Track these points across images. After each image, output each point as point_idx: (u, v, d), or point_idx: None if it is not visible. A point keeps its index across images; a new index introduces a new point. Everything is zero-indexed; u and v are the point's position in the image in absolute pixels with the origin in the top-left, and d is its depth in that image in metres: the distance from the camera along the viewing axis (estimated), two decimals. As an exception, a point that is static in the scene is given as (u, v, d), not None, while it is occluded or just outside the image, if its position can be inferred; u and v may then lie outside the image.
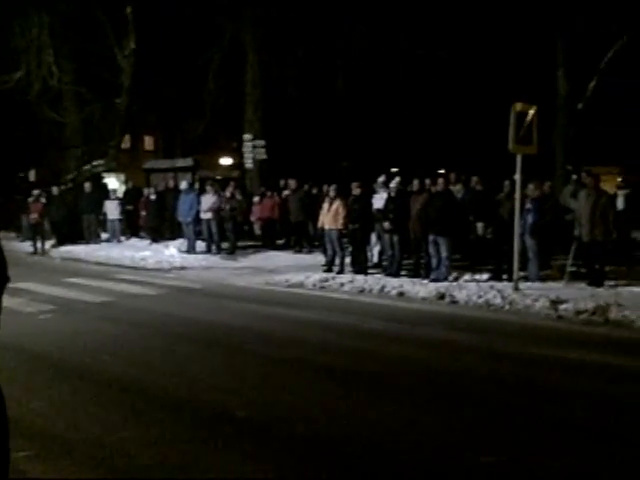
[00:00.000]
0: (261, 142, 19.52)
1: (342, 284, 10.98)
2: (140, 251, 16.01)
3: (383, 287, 10.48)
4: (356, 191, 12.33)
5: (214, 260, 14.97)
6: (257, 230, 17.26)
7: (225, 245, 16.00)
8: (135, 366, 6.07)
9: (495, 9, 17.47)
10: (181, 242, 16.50)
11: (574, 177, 13.71)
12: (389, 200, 11.86)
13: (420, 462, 3.91)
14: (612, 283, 10.08)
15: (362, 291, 10.54)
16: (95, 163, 20.82)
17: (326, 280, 11.29)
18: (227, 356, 6.47)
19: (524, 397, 5.09)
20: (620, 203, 12.99)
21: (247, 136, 19.75)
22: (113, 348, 6.74)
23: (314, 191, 15.85)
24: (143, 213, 18.23)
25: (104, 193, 19.07)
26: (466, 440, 4.20)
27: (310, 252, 15.40)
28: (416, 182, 12.38)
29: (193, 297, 10.34)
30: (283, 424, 4.53)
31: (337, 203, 12.42)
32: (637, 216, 12.80)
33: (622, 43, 15.19)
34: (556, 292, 9.38)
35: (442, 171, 16.78)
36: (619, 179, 17.76)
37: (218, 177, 20.53)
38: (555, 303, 8.67)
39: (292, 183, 16.01)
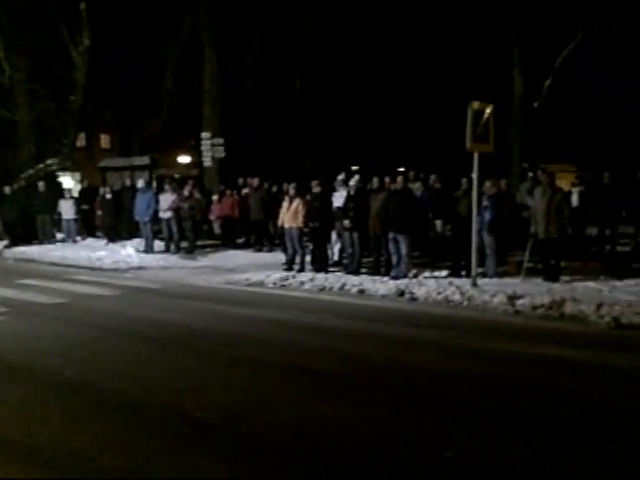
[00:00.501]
0: (220, 140, 19.34)
1: (302, 282, 10.94)
2: (96, 251, 15.71)
3: (343, 285, 10.48)
4: (316, 189, 12.32)
5: (172, 260, 14.78)
6: (216, 229, 17.12)
7: (184, 244, 15.81)
8: (91, 368, 5.94)
9: (451, 9, 17.66)
10: (138, 242, 16.25)
11: (530, 175, 13.95)
12: (349, 198, 11.87)
13: (381, 458, 3.90)
14: (567, 278, 10.28)
15: (323, 289, 10.53)
16: (49, 162, 20.34)
17: (286, 279, 11.24)
18: (186, 357, 6.37)
19: (483, 392, 5.13)
20: (575, 200, 13.28)
21: (205, 134, 19.55)
22: (68, 350, 6.58)
23: (274, 189, 15.77)
24: (99, 212, 17.88)
25: (58, 192, 18.63)
26: (426, 436, 4.21)
27: (270, 251, 15.32)
28: (375, 180, 12.45)
29: (151, 297, 10.17)
30: (242, 424, 4.48)
31: (297, 201, 12.38)
32: (591, 212, 13.09)
33: (576, 42, 15.51)
34: (513, 288, 9.52)
35: (402, 169, 16.90)
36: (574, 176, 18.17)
37: (176, 175, 20.26)
38: (512, 298, 8.79)
39: (254, 181, 15.91)
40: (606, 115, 20.36)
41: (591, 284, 9.92)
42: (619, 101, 18.99)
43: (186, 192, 16.12)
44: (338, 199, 12.29)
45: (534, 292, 9.09)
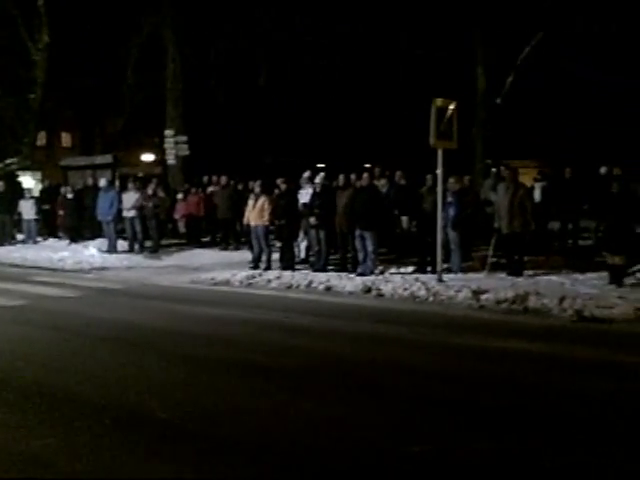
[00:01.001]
0: (183, 138, 19.16)
1: (269, 281, 10.89)
2: (58, 252, 15.43)
3: (310, 282, 10.45)
4: (282, 187, 12.28)
5: (136, 259, 14.60)
6: (181, 228, 16.97)
7: (148, 244, 15.62)
8: (52, 371, 5.79)
9: (413, 6, 17.74)
10: (101, 242, 16.00)
11: (493, 171, 14.10)
12: (315, 195, 11.86)
13: (348, 454, 3.88)
14: (531, 273, 10.42)
15: (289, 287, 10.49)
16: (8, 161, 19.91)
17: (253, 277, 11.18)
18: (149, 358, 6.26)
19: (449, 386, 5.15)
20: (537, 195, 13.46)
21: (169, 132, 19.34)
22: (29, 353, 6.41)
23: (240, 187, 15.67)
24: (61, 212, 17.57)
25: (19, 192, 18.24)
26: (394, 431, 4.20)
27: (237, 249, 15.22)
28: (341, 177, 12.46)
29: (114, 298, 10.01)
30: (207, 424, 4.41)
31: (262, 199, 12.32)
32: (553, 207, 13.29)
33: (538, 39, 15.71)
34: (478, 282, 9.62)
35: (367, 166, 16.93)
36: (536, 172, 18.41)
37: (140, 174, 19.98)
38: (477, 293, 8.86)
39: (222, 179, 15.78)
40: (567, 111, 20.70)
41: (554, 278, 10.07)
42: (579, 97, 19.33)
43: (150, 191, 15.93)
44: (304, 196, 12.28)
45: (498, 287, 9.19)
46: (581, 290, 8.98)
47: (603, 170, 12.67)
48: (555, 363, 5.85)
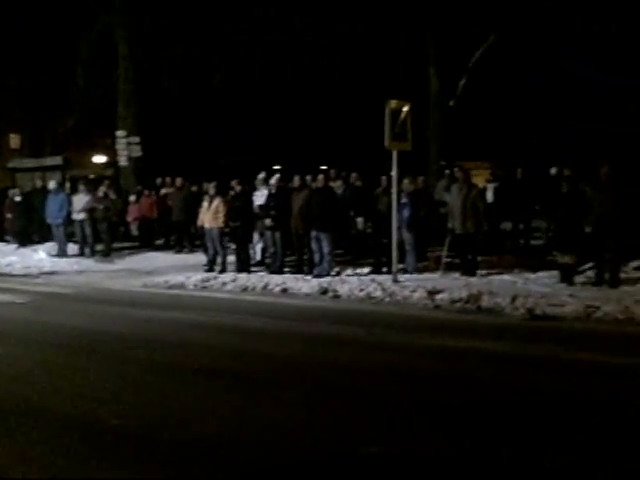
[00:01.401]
0: (135, 139, 18.83)
1: (224, 283, 10.78)
2: (6, 256, 15.01)
3: (266, 285, 10.39)
4: (236, 188, 12.18)
5: (87, 263, 14.31)
6: (134, 230, 16.69)
7: (99, 247, 15.32)
8: (0, 379, 5.60)
9: (367, 7, 17.83)
10: (51, 245, 15.62)
11: (447, 172, 14.26)
12: (270, 197, 11.80)
13: (305, 456, 3.84)
14: (484, 272, 10.56)
15: (245, 289, 10.40)
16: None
17: (208, 280, 11.05)
18: (102, 363, 6.11)
19: (405, 386, 5.16)
20: (490, 196, 13.67)
21: (120, 133, 18.99)
22: (-28, 362, 6.18)
23: (194, 189, 15.48)
24: (8, 216, 17.10)
25: (-36, 195, 17.68)
26: (350, 432, 4.18)
27: (191, 252, 15.03)
28: (297, 178, 12.42)
29: (65, 303, 9.77)
30: (161, 430, 4.31)
31: (217, 201, 12.20)
32: (506, 208, 13.51)
33: (490, 42, 15.97)
34: (433, 282, 9.70)
35: (323, 167, 16.94)
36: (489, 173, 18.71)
37: (91, 176, 19.61)
38: (432, 293, 8.94)
39: (177, 181, 15.56)
40: (518, 112, 21.11)
41: (506, 277, 10.23)
42: (530, 98, 19.74)
43: (101, 193, 15.63)
44: (259, 198, 12.20)
45: (452, 286, 9.29)
46: (533, 289, 9.15)
47: (553, 171, 12.94)
48: (509, 361, 5.93)
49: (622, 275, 9.41)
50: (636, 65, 16.65)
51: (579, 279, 9.59)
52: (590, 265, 9.81)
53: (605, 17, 15.18)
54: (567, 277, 9.47)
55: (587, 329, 7.21)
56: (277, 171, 13.84)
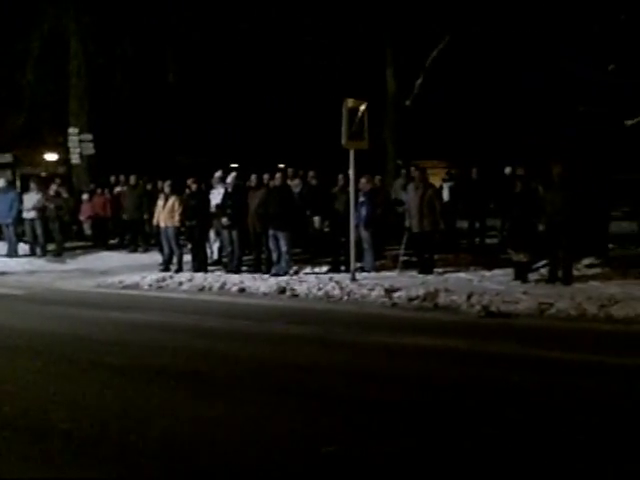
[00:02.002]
0: (88, 136, 18.46)
1: (181, 283, 10.63)
2: (-48, 257, 14.50)
3: (224, 284, 10.28)
4: (192, 187, 12.02)
5: (39, 263, 13.95)
6: (87, 230, 16.37)
7: (51, 247, 14.95)
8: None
9: (323, 6, 17.83)
10: (0, 245, 15.15)
11: (404, 171, 14.37)
12: (226, 196, 11.69)
13: (262, 456, 3.80)
14: (440, 270, 10.67)
15: (202, 289, 10.28)
16: None
17: (163, 280, 10.88)
18: (52, 366, 5.94)
19: (362, 385, 5.16)
20: (446, 195, 13.83)
21: (72, 130, 18.58)
22: None
23: (149, 187, 15.24)
24: (-44, 214, 16.49)
25: None
26: (307, 432, 4.15)
27: (146, 251, 14.80)
28: (254, 177, 12.33)
29: (15, 304, 9.51)
30: (111, 434, 4.21)
31: (172, 199, 12.02)
32: (461, 207, 13.69)
33: (445, 43, 16.14)
34: (390, 281, 9.76)
35: (281, 166, 16.88)
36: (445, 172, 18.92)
37: (42, 174, 19.14)
38: (389, 291, 8.98)
39: (131, 179, 15.28)
40: (473, 112, 21.40)
41: (462, 275, 10.36)
42: (486, 99, 20.02)
43: (52, 191, 15.26)
44: (216, 197, 12.07)
45: (410, 284, 9.36)
46: (488, 286, 9.28)
47: (507, 170, 13.17)
48: (465, 358, 5.99)
49: (575, 272, 9.63)
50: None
51: (533, 276, 9.77)
52: (543, 263, 10.01)
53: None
54: (521, 275, 9.64)
55: (541, 325, 7.35)
56: (234, 169, 13.70)
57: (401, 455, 3.79)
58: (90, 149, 18.55)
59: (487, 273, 10.38)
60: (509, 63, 15.19)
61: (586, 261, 10.35)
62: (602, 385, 5.05)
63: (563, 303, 7.89)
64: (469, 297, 8.35)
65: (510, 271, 9.91)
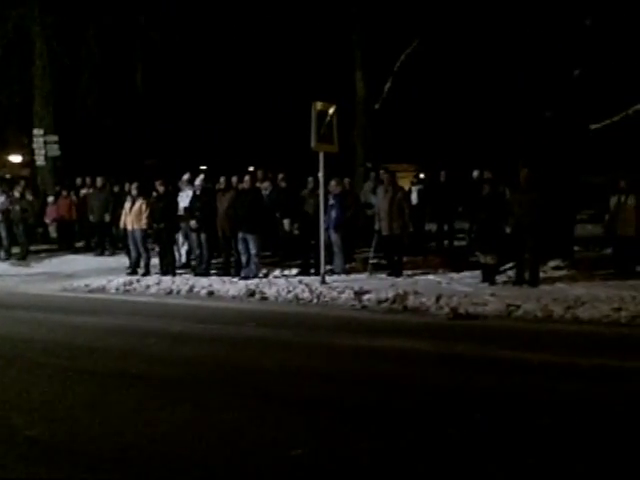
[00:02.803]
0: (53, 137, 18.15)
1: (148, 286, 10.51)
2: None
3: (192, 287, 10.19)
4: (160, 189, 11.89)
5: (3, 267, 13.73)
6: (52, 232, 16.10)
7: (15, 250, 14.66)
8: None
9: (293, 9, 17.84)
10: (-37, 249, 14.82)
11: (373, 174, 14.41)
12: (195, 198, 11.59)
13: (229, 460, 3.75)
14: (410, 273, 10.72)
15: (170, 293, 10.16)
16: None
17: (131, 283, 10.75)
18: (15, 371, 5.81)
19: (330, 388, 5.14)
20: (414, 198, 13.91)
21: (37, 131, 18.26)
22: None
23: (116, 189, 15.03)
24: None
25: None
26: (274, 435, 4.12)
27: (113, 254, 14.60)
28: (222, 179, 12.25)
29: (-24, 309, 9.25)
30: (76, 440, 4.12)
31: (140, 202, 11.89)
32: (430, 210, 13.77)
33: (413, 47, 16.25)
34: (360, 283, 9.77)
35: (251, 168, 16.81)
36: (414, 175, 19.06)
37: (7, 176, 18.79)
38: (359, 294, 8.99)
39: (98, 181, 15.05)
40: (442, 116, 21.60)
41: (431, 277, 10.43)
42: (454, 103, 20.23)
43: (17, 193, 14.99)
44: (184, 199, 11.96)
45: (379, 287, 9.38)
46: (456, 288, 9.35)
47: (475, 174, 13.28)
48: (433, 359, 6.02)
49: (541, 274, 9.75)
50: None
51: (500, 278, 9.87)
52: (511, 265, 10.11)
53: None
54: (489, 277, 9.73)
55: (508, 327, 7.42)
56: (202, 172, 13.60)
57: (368, 457, 3.77)
58: (55, 150, 18.25)
59: (455, 275, 10.46)
60: (476, 68, 15.38)
61: (552, 263, 10.49)
62: (569, 386, 5.10)
63: (530, 305, 7.98)
64: (438, 299, 8.40)
65: (478, 273, 10.01)
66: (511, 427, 4.21)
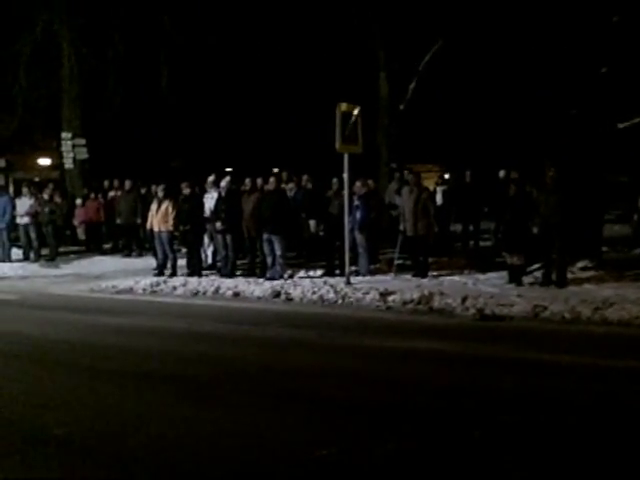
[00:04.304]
0: (81, 141, 18.41)
1: (175, 287, 10.60)
2: (-55, 262, 14.42)
3: (218, 288, 10.25)
4: (186, 191, 11.99)
5: (32, 268, 13.91)
6: (81, 234, 16.32)
7: (44, 252, 14.89)
8: None
9: (316, 11, 17.86)
10: (-6, 251, 15.08)
11: (397, 175, 14.38)
12: (220, 200, 11.66)
13: (257, 460, 3.78)
14: (435, 274, 10.67)
15: (196, 294, 10.25)
16: None
17: (157, 284, 10.85)
18: (47, 371, 5.91)
19: (357, 389, 5.14)
20: (439, 198, 13.86)
21: (66, 134, 18.53)
22: None
23: (143, 191, 15.20)
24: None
25: None
26: (301, 435, 4.14)
27: (140, 255, 14.75)
28: (247, 181, 12.32)
29: (9, 309, 9.46)
30: (108, 440, 4.18)
31: (166, 203, 12.00)
32: (455, 210, 13.69)
33: (438, 47, 16.18)
34: (385, 284, 9.75)
35: (276, 170, 16.87)
36: (439, 176, 18.97)
37: (35, 179, 19.10)
38: (384, 295, 8.98)
39: (127, 183, 15.22)
40: (467, 116, 21.45)
41: (457, 278, 10.37)
42: (480, 103, 20.07)
43: (46, 196, 15.23)
44: (209, 201, 12.04)
45: (404, 288, 9.35)
46: (482, 289, 9.28)
47: (501, 174, 13.19)
48: (460, 361, 5.98)
49: (569, 275, 9.64)
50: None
51: (527, 279, 9.78)
52: (538, 266, 10.02)
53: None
54: (515, 277, 9.64)
55: (535, 328, 7.35)
56: (228, 173, 13.69)
57: (396, 458, 3.77)
58: (83, 153, 18.51)
59: (481, 276, 10.38)
60: (502, 67, 15.24)
61: (580, 264, 10.36)
62: (596, 388, 5.04)
63: (557, 306, 7.89)
64: (464, 300, 8.35)
65: (504, 274, 9.92)
66: (537, 429, 4.17)
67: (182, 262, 12.14)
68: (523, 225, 9.68)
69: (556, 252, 9.42)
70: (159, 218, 11.97)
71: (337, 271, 11.00)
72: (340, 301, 9.11)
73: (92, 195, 16.09)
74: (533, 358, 5.98)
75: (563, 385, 5.12)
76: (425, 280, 10.22)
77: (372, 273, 10.95)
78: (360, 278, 10.55)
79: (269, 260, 11.05)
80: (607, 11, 10.63)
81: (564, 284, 9.29)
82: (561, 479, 3.51)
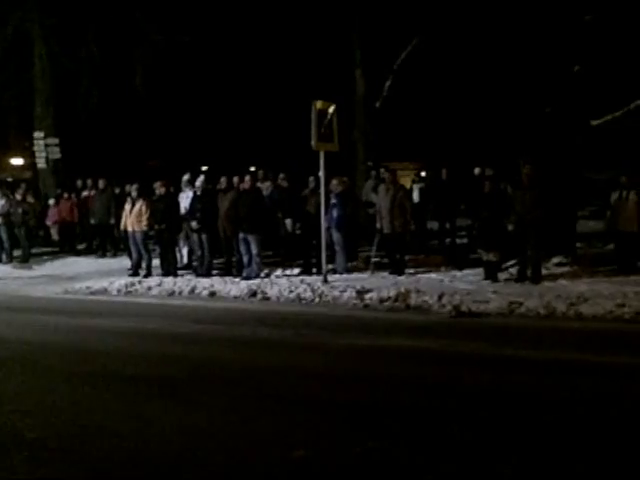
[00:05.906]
0: (54, 140, 18.15)
1: (150, 288, 10.50)
2: None
3: (194, 288, 10.17)
4: (160, 190, 11.88)
5: (4, 270, 13.71)
6: (54, 235, 16.09)
7: (17, 253, 14.66)
8: None
9: (292, 8, 17.81)
10: (-35, 252, 14.84)
11: (374, 173, 14.39)
12: (195, 199, 11.57)
13: (232, 461, 3.74)
14: (412, 271, 10.70)
15: (172, 294, 10.15)
16: None
17: (132, 285, 10.73)
18: (21, 374, 5.80)
19: (334, 388, 5.12)
20: (416, 196, 13.89)
21: (38, 134, 18.26)
22: None
23: (117, 191, 15.03)
24: None
25: None
26: (277, 436, 4.10)
27: (115, 256, 14.60)
28: (223, 180, 12.23)
29: (-21, 312, 9.26)
30: (81, 442, 4.11)
31: (140, 203, 11.88)
32: (431, 207, 13.74)
33: (414, 44, 16.21)
34: (362, 282, 9.75)
35: (252, 169, 16.79)
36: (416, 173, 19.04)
37: (8, 179, 18.80)
38: (361, 293, 8.97)
39: (100, 183, 15.03)
40: (443, 114, 21.56)
41: (433, 275, 10.41)
42: (455, 100, 20.19)
43: (18, 196, 15.00)
44: (185, 200, 11.95)
45: (381, 286, 9.36)
46: (459, 286, 9.33)
47: (476, 171, 13.26)
48: (437, 358, 6.00)
49: (543, 271, 9.73)
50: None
51: (503, 276, 9.85)
52: (513, 262, 10.09)
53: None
54: (491, 274, 9.71)
55: (511, 324, 7.39)
56: (203, 172, 13.59)
57: (375, 457, 3.75)
58: (56, 153, 18.25)
59: (458, 273, 10.44)
60: (477, 65, 15.34)
61: (555, 260, 10.47)
62: (572, 383, 5.07)
63: (532, 302, 7.95)
64: (440, 297, 8.38)
65: (480, 271, 9.98)
66: (515, 424, 4.19)
67: (157, 262, 12.03)
68: (498, 222, 9.74)
69: (531, 248, 9.49)
70: (133, 218, 11.85)
71: (314, 269, 10.98)
72: (317, 299, 9.09)
73: (65, 195, 15.89)
74: (509, 354, 6.02)
75: (539, 380, 5.15)
76: (402, 278, 10.24)
77: (349, 271, 10.95)
78: (337, 276, 10.54)
79: (245, 259, 11.00)
80: (579, 10, 10.74)
81: (539, 280, 9.37)
82: (542, 474, 3.52)
